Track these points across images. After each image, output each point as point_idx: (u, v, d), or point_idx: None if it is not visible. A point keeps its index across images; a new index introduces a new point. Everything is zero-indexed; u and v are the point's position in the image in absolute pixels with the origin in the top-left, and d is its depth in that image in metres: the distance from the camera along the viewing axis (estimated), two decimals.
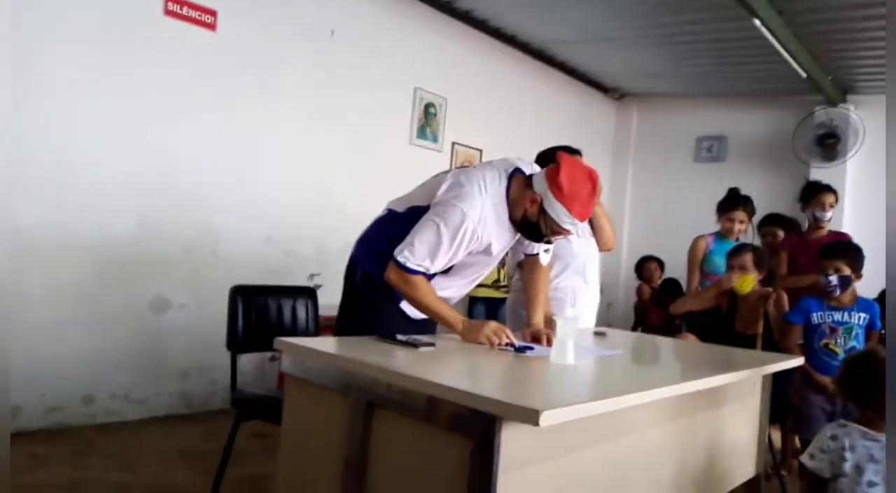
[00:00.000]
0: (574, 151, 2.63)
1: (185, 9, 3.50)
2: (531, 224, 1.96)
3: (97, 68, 3.22)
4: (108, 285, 3.33)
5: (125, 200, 3.36)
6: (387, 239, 1.98)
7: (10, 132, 2.91)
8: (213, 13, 3.62)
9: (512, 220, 1.99)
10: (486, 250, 1.99)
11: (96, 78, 3.22)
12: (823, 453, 1.73)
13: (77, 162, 3.19)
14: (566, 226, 1.91)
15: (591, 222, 2.80)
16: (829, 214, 3.64)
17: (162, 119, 3.47)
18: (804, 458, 1.77)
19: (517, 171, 2.00)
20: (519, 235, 2.07)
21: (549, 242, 2.06)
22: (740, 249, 3.08)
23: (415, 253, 1.87)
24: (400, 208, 2.08)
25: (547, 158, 2.57)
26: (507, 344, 1.85)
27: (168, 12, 3.45)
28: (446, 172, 2.08)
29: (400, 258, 1.88)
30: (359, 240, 2.17)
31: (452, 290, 2.13)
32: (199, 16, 3.56)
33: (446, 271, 2.01)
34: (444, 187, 1.95)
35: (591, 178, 1.91)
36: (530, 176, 1.98)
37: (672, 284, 5.14)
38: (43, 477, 2.59)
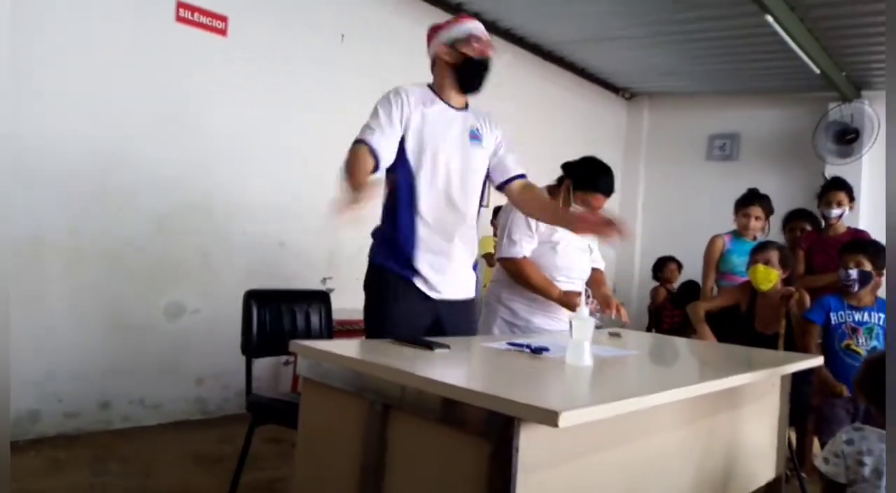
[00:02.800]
0: (604, 168, 2.56)
1: (196, 15, 3.53)
2: (458, 62, 2.10)
3: (111, 74, 3.25)
4: (124, 292, 3.35)
5: (141, 207, 3.38)
6: (382, 220, 2.13)
7: (29, 139, 2.96)
8: (223, 19, 3.64)
9: (449, 84, 2.13)
10: (413, 129, 2.05)
11: (110, 84, 3.25)
12: (838, 458, 1.68)
13: (93, 168, 3.21)
14: (470, 32, 2.10)
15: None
16: (836, 212, 3.54)
17: (174, 124, 3.49)
18: (818, 462, 1.73)
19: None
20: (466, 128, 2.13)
21: (484, 61, 2.12)
22: (766, 245, 3.05)
23: (364, 129, 2.01)
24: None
25: (572, 167, 2.57)
26: (523, 345, 1.84)
27: (180, 19, 3.48)
28: None
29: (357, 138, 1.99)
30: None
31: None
32: (210, 21, 3.59)
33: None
34: None
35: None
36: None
37: (691, 286, 5.06)
38: (63, 482, 2.61)
